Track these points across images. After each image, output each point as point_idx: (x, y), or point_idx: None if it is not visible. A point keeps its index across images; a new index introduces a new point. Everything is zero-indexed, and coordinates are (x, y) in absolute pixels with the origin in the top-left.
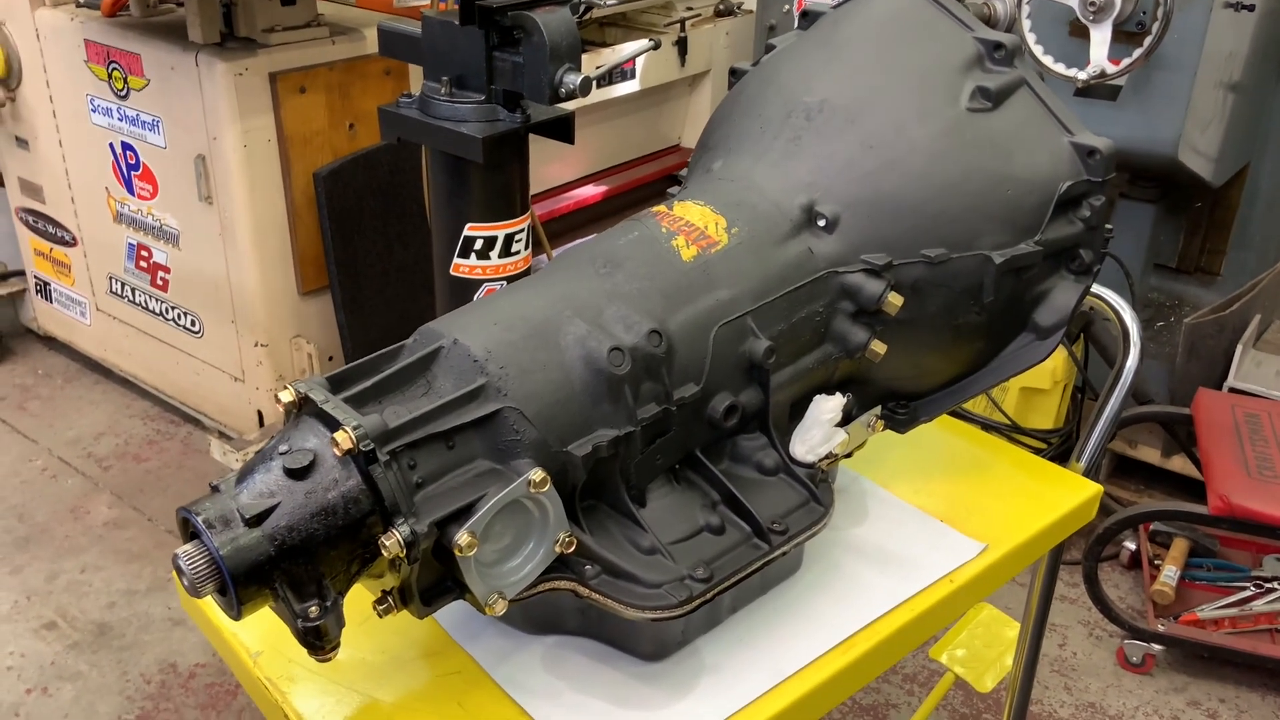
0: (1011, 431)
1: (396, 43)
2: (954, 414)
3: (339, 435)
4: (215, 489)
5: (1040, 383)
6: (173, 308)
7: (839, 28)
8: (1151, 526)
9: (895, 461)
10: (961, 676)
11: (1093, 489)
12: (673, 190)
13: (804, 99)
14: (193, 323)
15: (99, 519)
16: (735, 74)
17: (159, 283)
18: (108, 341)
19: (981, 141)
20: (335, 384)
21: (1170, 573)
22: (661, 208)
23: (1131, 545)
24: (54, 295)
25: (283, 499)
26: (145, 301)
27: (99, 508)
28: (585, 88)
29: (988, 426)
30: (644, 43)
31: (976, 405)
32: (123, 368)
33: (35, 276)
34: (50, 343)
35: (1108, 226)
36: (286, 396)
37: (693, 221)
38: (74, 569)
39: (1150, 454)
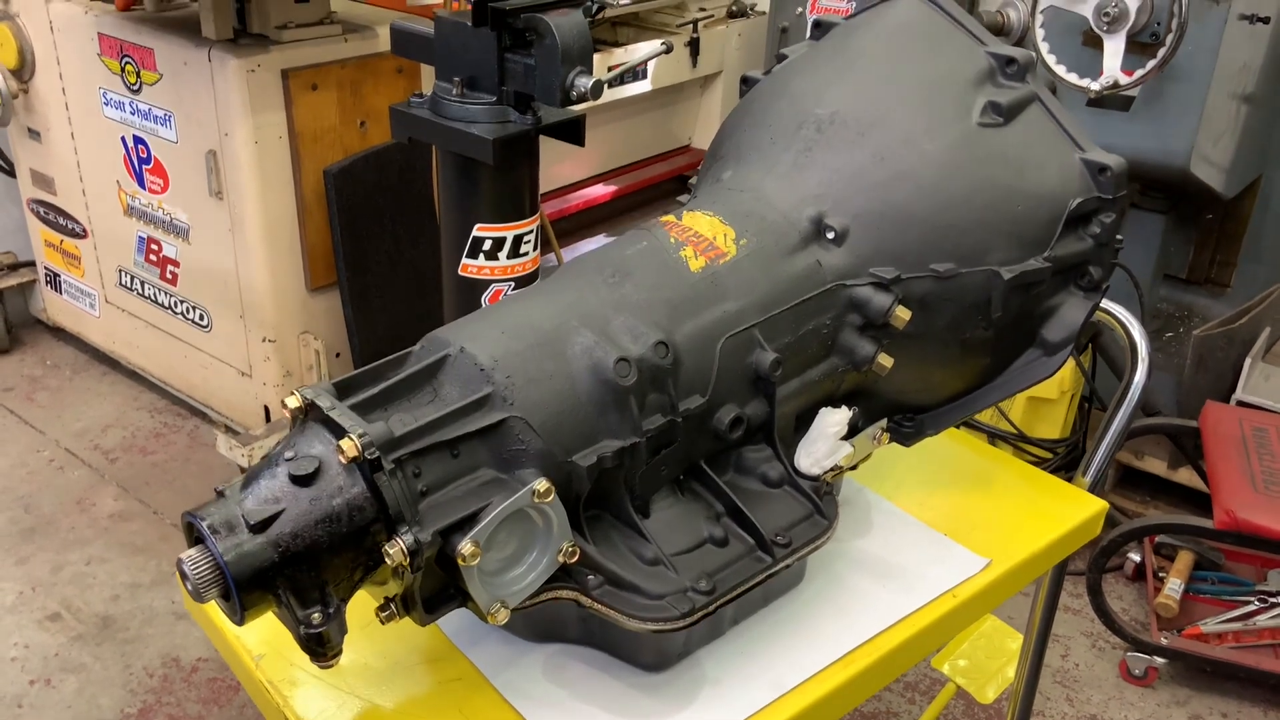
0: (1018, 441)
1: (409, 42)
2: (961, 423)
3: (344, 443)
4: (220, 494)
5: (1047, 393)
6: (181, 301)
7: (851, 39)
8: (1156, 539)
9: (901, 474)
10: (963, 687)
11: (1098, 505)
12: (682, 199)
13: (815, 110)
14: (201, 317)
15: (104, 511)
16: (747, 83)
17: (168, 276)
18: (116, 334)
19: (992, 156)
20: (341, 390)
21: (1174, 585)
22: (670, 217)
23: (1136, 557)
24: (64, 287)
25: (287, 505)
26: (154, 295)
27: (105, 500)
28: (596, 91)
29: (994, 436)
30: (656, 45)
31: (983, 414)
32: (131, 360)
33: (45, 268)
34: (59, 334)
35: (1118, 237)
36: (293, 402)
37: (701, 232)
38: (79, 561)
39: (1157, 466)
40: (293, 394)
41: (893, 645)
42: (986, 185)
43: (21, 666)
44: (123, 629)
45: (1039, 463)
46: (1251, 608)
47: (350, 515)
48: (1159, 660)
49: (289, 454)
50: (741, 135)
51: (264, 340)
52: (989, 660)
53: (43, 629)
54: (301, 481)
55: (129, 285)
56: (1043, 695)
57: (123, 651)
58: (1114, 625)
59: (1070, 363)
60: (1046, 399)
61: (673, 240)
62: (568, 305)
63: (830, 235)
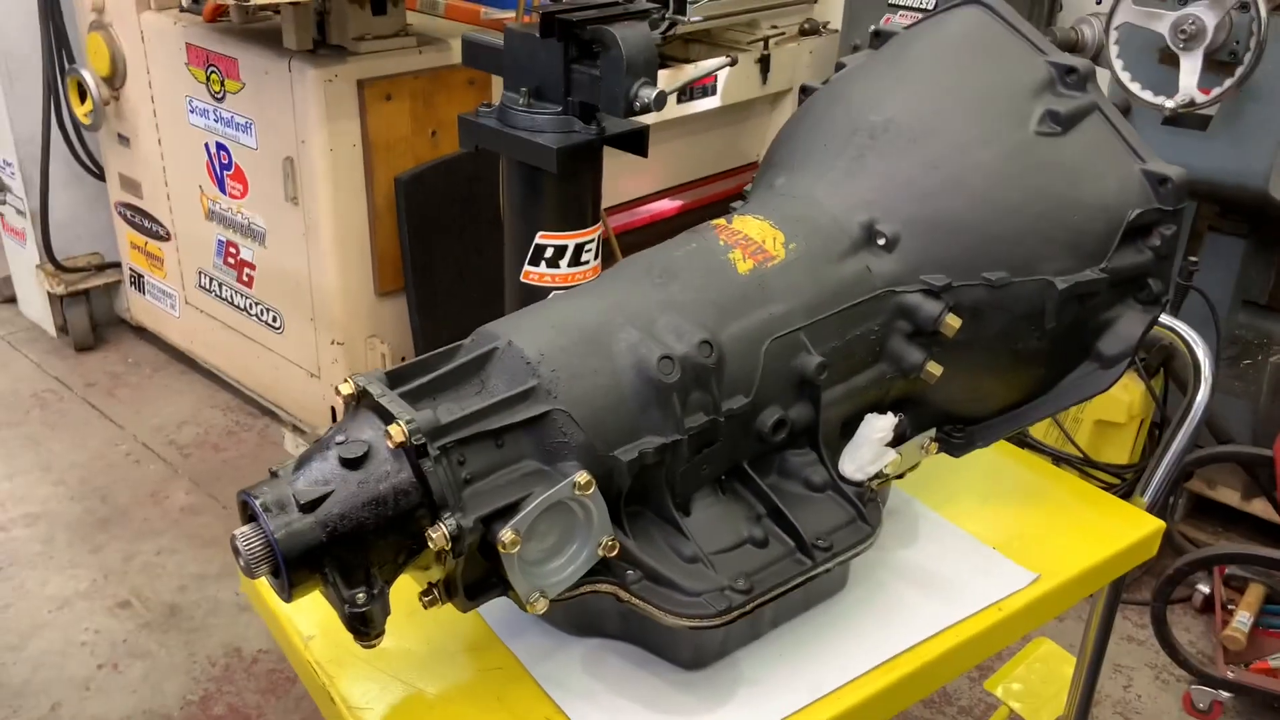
0: (1083, 465)
1: (479, 53)
2: (1022, 443)
3: (392, 429)
4: (274, 474)
5: (1115, 416)
6: (256, 304)
7: (909, 48)
8: (1226, 571)
9: (951, 486)
10: (1016, 712)
11: (1154, 524)
12: (735, 205)
13: (870, 117)
14: (274, 319)
15: (176, 504)
16: (805, 91)
17: (245, 279)
18: (194, 334)
19: (1048, 165)
20: (393, 379)
21: (1243, 618)
22: (721, 221)
23: (1205, 588)
24: (147, 287)
25: (336, 487)
26: (231, 297)
27: (177, 493)
28: (660, 102)
29: (1059, 459)
30: (721, 60)
31: (1048, 436)
32: (207, 360)
33: (130, 269)
34: (141, 333)
35: (1193, 259)
36: (346, 389)
37: (751, 235)
38: (150, 551)
39: (1230, 495)
40: (346, 381)
41: (934, 655)
42: (1042, 194)
43: (91, 651)
44: (188, 618)
45: (1106, 489)
46: None
47: (396, 499)
48: (1224, 694)
49: (340, 438)
50: (796, 142)
51: (333, 343)
52: (1044, 685)
53: (112, 615)
54: (350, 464)
55: (207, 287)
56: None
57: (187, 640)
58: (1179, 657)
59: (1140, 386)
60: (1114, 423)
61: (721, 243)
62: (615, 303)
63: (881, 241)
